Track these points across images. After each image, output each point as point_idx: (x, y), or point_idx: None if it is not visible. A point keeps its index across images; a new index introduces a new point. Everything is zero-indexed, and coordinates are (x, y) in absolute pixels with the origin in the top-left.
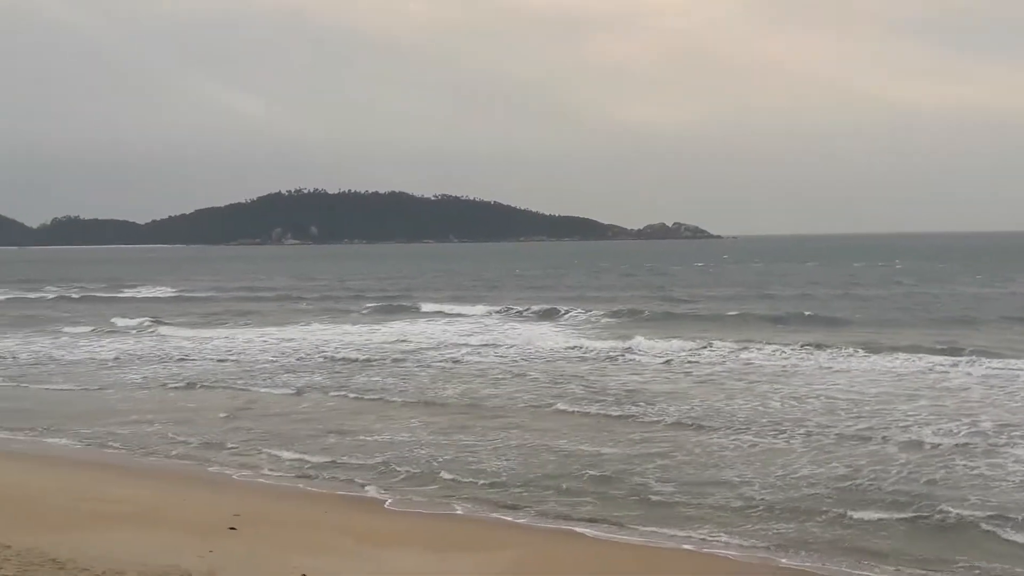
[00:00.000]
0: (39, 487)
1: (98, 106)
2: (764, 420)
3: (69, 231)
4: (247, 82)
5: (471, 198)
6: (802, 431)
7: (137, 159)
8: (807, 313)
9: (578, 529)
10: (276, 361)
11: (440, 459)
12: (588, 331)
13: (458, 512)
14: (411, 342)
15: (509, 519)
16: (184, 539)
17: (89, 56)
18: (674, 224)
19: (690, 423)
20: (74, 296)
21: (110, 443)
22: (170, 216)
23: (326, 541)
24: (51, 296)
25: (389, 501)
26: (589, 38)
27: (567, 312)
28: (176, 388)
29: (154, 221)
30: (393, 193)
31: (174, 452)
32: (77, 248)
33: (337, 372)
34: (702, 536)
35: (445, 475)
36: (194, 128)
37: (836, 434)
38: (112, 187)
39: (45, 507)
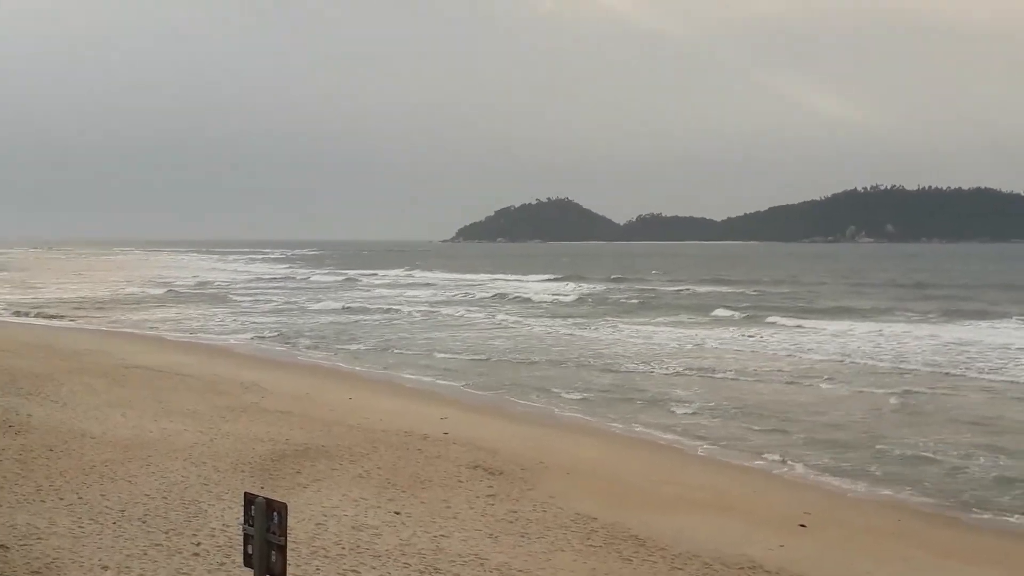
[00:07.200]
0: (624, 467)
1: (682, 106)
2: None
3: (650, 227)
4: (823, 77)
5: None
6: None
7: (716, 158)
8: None
9: None
10: None
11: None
12: None
13: None
14: None
15: None
16: (754, 531)
17: (677, 59)
18: None
19: None
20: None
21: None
22: (745, 213)
23: (897, 550)
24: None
25: (967, 517)
26: None
27: None
28: None
29: (729, 218)
30: (978, 189)
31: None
32: (656, 243)
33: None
34: None
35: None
36: (770, 125)
37: None
38: (693, 186)
39: (628, 486)
